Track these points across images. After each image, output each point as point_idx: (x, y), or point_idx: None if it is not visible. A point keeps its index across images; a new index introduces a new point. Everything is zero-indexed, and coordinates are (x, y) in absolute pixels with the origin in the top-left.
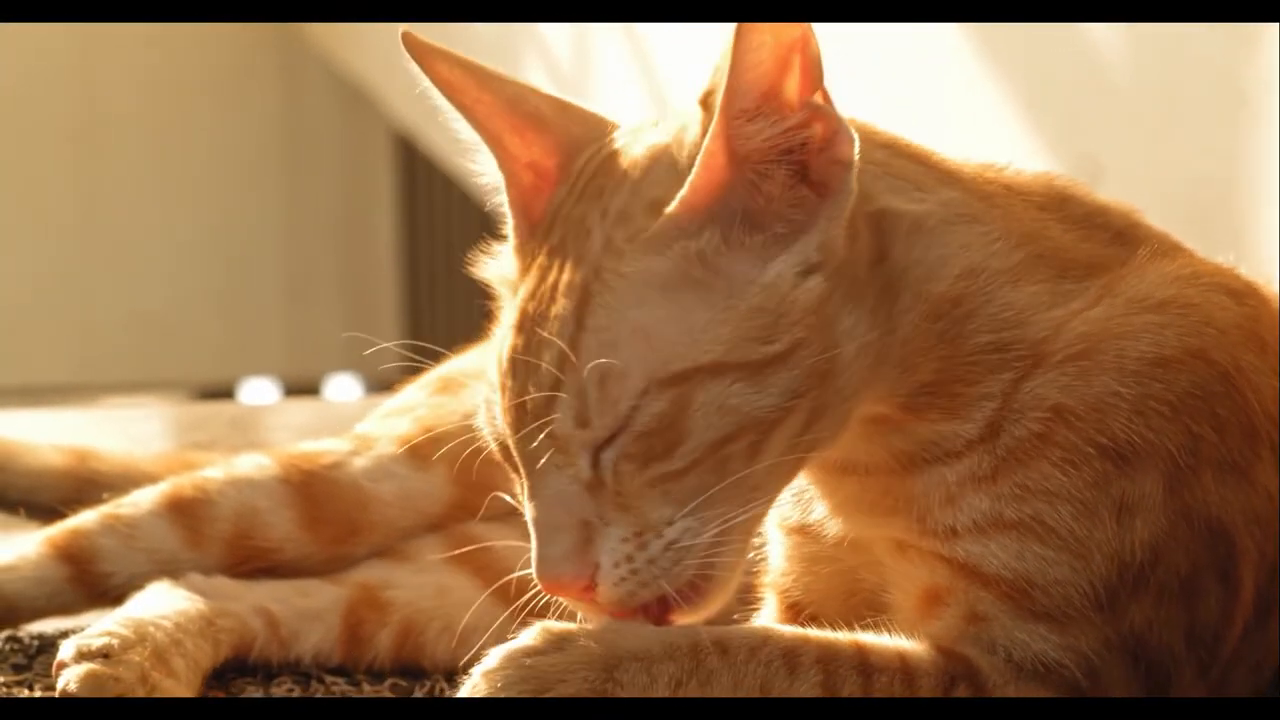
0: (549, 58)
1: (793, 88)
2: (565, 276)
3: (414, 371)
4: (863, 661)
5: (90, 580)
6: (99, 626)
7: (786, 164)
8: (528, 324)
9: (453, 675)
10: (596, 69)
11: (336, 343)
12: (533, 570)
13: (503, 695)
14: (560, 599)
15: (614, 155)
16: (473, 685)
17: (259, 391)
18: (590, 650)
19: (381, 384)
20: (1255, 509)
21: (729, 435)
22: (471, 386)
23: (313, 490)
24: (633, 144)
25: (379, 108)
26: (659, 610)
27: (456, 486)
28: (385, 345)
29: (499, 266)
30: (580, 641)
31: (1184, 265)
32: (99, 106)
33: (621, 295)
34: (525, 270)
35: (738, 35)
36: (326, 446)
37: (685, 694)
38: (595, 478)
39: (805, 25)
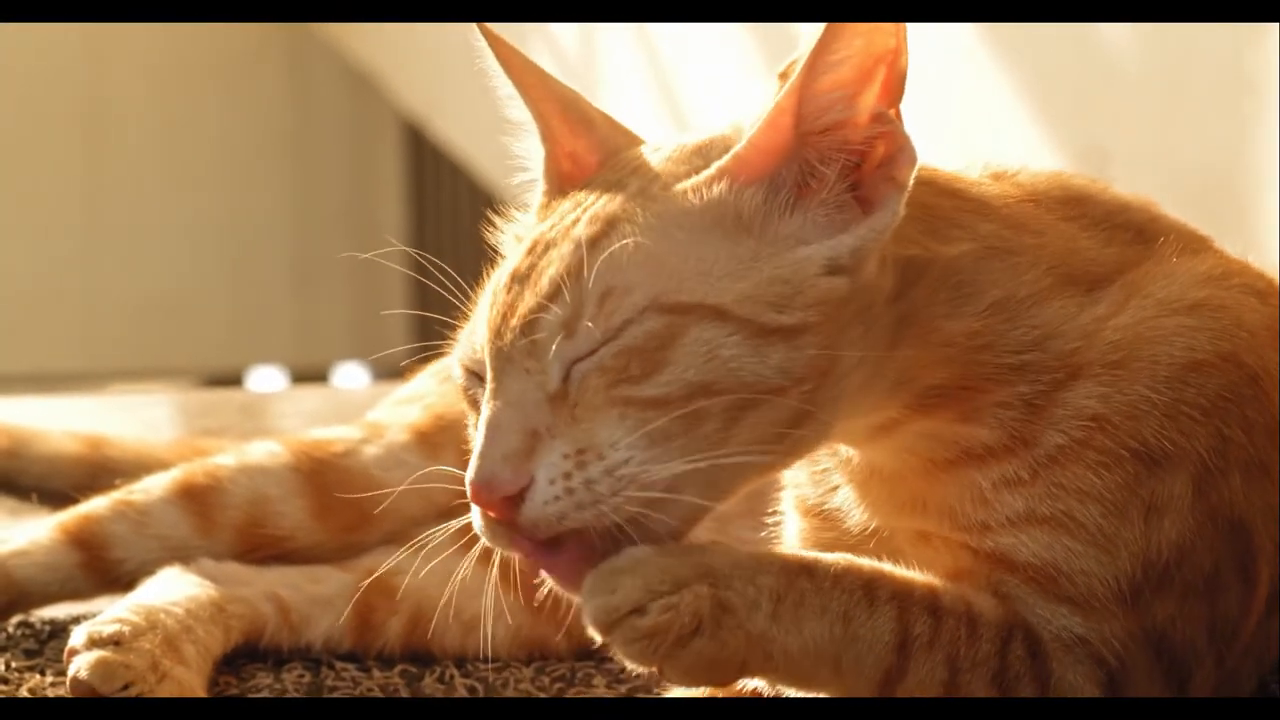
0: (555, 47)
1: (870, 96)
2: (590, 211)
3: (423, 359)
4: (934, 604)
5: (102, 566)
6: (110, 613)
7: (843, 163)
8: (539, 246)
9: (462, 661)
10: (603, 63)
11: (344, 330)
12: (469, 473)
13: (647, 587)
14: (483, 514)
15: (657, 149)
16: (605, 585)
17: (267, 379)
18: (702, 558)
19: (389, 372)
20: (1273, 505)
21: (710, 384)
22: None
23: (324, 478)
24: (675, 141)
25: (387, 95)
26: (572, 551)
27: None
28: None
29: (514, 227)
30: (690, 552)
31: (1215, 265)
32: (107, 95)
33: (646, 229)
34: (545, 219)
35: (833, 28)
36: (337, 434)
37: (782, 610)
38: (562, 390)
39: (901, 36)
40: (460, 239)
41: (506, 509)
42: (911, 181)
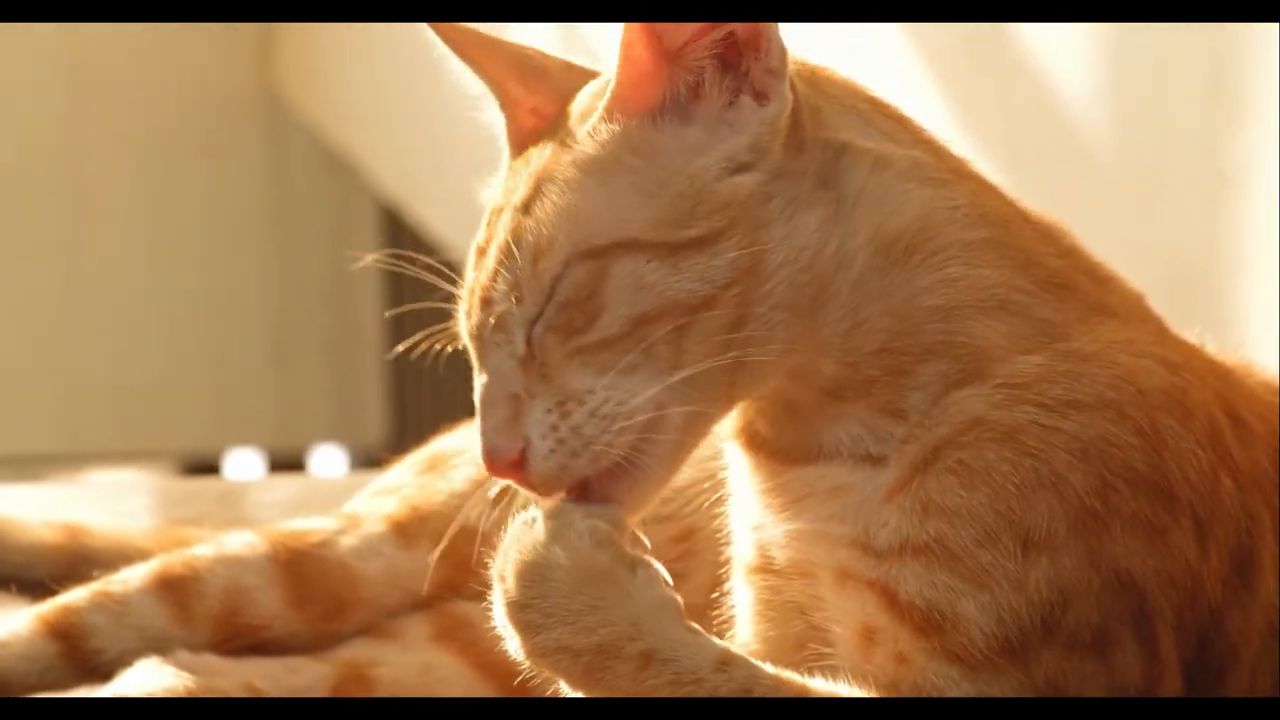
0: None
1: None
2: (524, 174)
3: (400, 450)
4: None
5: (80, 657)
6: None
7: (723, 65)
8: (492, 217)
9: None
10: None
11: (322, 413)
12: (478, 450)
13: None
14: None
15: (590, 89)
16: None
17: (245, 462)
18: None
19: (367, 455)
20: (1171, 573)
21: (646, 313)
22: (458, 466)
23: (301, 568)
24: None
25: (365, 179)
26: (582, 492)
27: (442, 565)
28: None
29: (490, 193)
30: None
31: (1131, 334)
32: (84, 176)
33: (563, 184)
34: (506, 183)
35: None
36: (314, 525)
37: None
38: (528, 353)
39: None
40: (438, 322)
41: (519, 474)
42: (789, 66)
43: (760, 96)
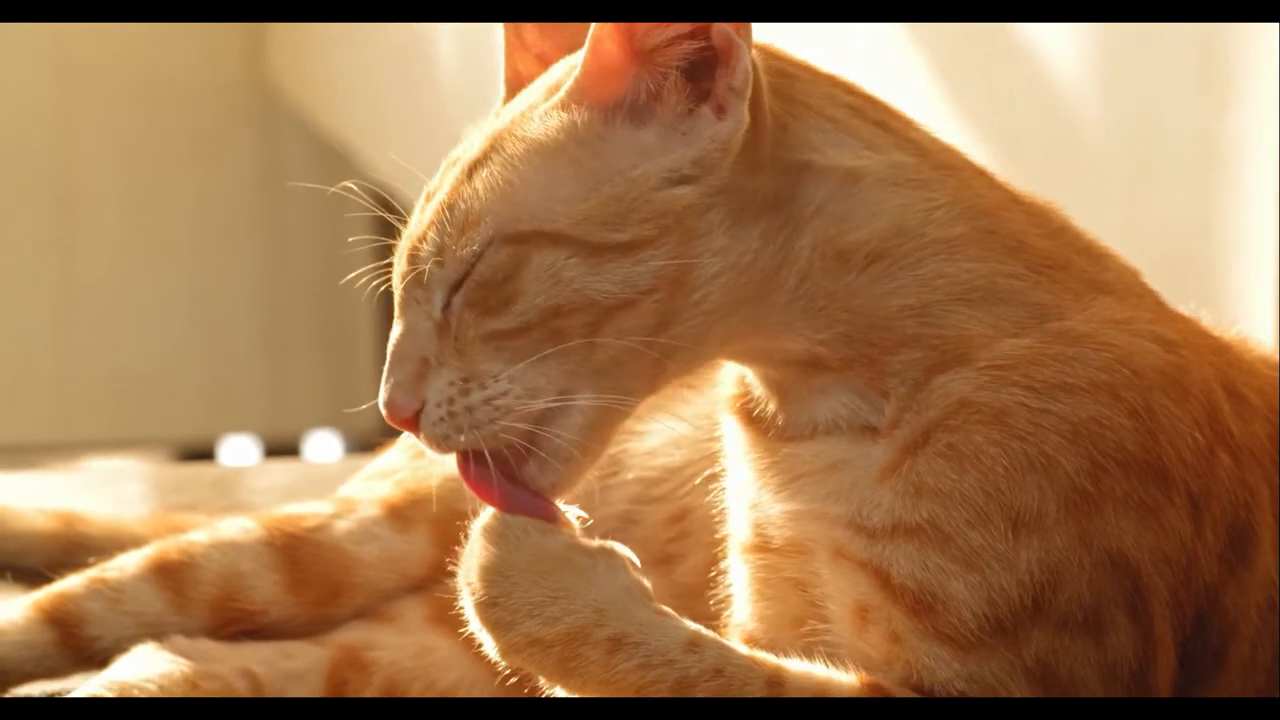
0: None
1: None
2: (482, 133)
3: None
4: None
5: (77, 644)
6: (84, 691)
7: (688, 74)
8: (448, 166)
9: None
10: None
11: (317, 399)
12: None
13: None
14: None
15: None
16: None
17: (239, 449)
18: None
19: (361, 440)
20: (1166, 551)
21: (559, 307)
22: None
23: (296, 553)
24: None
25: (357, 166)
26: (478, 467)
27: (437, 548)
28: None
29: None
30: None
31: (1129, 311)
32: (78, 166)
33: (508, 157)
34: None
35: None
36: (310, 509)
37: (565, 660)
38: (444, 319)
39: None
40: None
41: (414, 427)
42: (749, 89)
43: (720, 111)
